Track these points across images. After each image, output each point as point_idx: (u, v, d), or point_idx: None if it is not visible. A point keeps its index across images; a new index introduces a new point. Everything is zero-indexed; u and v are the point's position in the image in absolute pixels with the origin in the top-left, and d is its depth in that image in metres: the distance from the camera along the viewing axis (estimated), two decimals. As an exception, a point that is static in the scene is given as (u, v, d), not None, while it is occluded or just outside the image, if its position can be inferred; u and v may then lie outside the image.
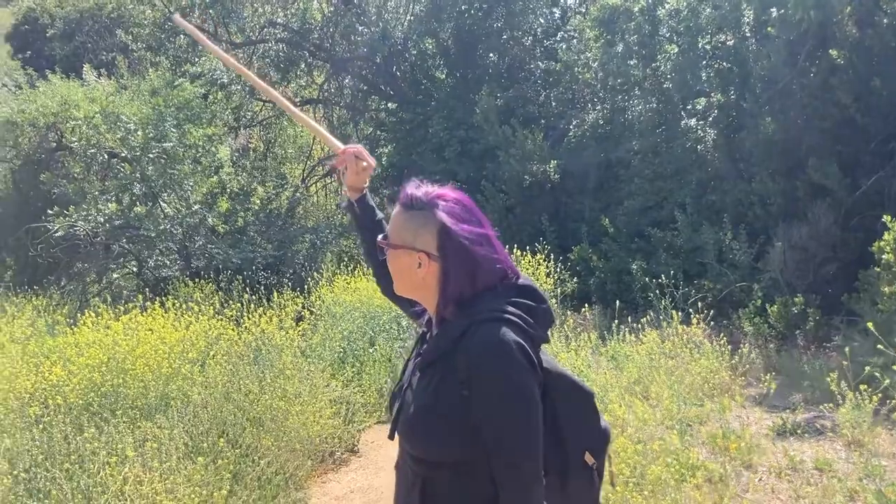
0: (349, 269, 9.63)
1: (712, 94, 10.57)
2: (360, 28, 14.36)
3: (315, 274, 9.85)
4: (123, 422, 4.45)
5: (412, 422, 1.65)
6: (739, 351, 6.04)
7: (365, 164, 2.14)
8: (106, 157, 10.81)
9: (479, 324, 1.58)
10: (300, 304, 7.86)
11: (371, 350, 6.87)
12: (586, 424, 1.77)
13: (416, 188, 1.73)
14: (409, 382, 1.74)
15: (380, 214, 2.18)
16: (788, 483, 4.33)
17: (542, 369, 1.65)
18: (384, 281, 1.98)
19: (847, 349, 5.43)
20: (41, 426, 4.39)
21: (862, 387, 4.87)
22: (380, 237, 1.79)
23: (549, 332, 1.73)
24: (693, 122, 10.83)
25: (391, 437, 1.76)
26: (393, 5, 15.18)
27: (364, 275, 9.32)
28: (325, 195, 17.87)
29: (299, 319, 7.63)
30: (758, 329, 7.55)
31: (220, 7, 14.64)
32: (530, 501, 1.54)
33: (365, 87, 16.07)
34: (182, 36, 15.05)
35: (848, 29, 8.46)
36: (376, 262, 2.08)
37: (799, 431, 5.21)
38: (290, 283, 9.38)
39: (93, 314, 6.41)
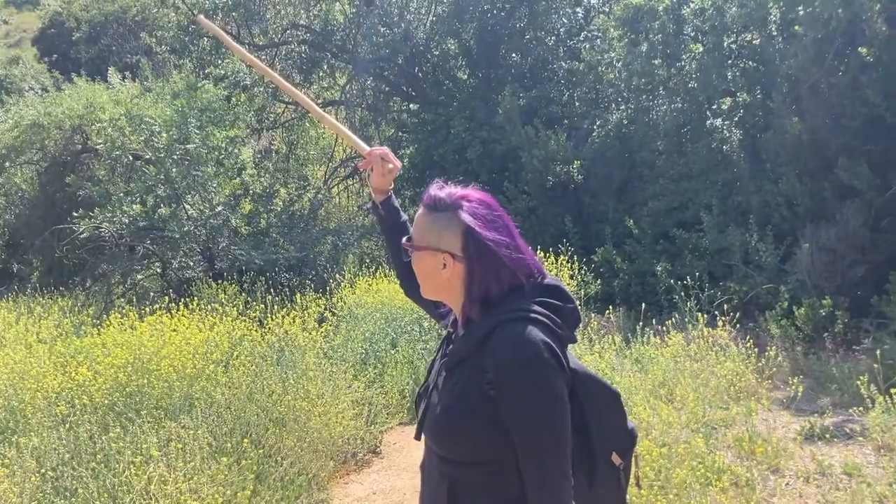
0: (371, 270, 9.64)
1: (738, 94, 10.46)
2: (382, 29, 14.36)
3: (337, 275, 9.86)
4: (148, 422, 4.47)
5: (439, 422, 1.64)
6: (766, 354, 5.96)
7: (391, 165, 2.14)
8: (130, 158, 10.90)
9: (505, 323, 1.57)
10: (322, 306, 7.88)
11: (393, 352, 6.86)
12: (613, 425, 1.76)
13: (440, 189, 1.73)
14: (435, 383, 1.74)
15: (404, 216, 2.18)
16: (816, 488, 4.26)
17: (569, 369, 1.64)
18: (407, 283, 2.00)
19: (877, 352, 5.34)
20: (68, 425, 4.43)
21: (892, 390, 4.78)
22: (404, 239, 1.79)
23: (575, 333, 1.71)
24: (718, 122, 10.72)
25: (417, 437, 1.75)
26: (415, 6, 15.19)
27: (386, 276, 9.32)
28: (347, 197, 17.92)
29: (321, 321, 7.65)
30: (785, 332, 7.45)
31: (242, 10, 14.73)
32: (560, 501, 1.53)
33: (387, 88, 16.10)
34: (206, 38, 15.17)
35: (878, 26, 8.32)
36: (400, 264, 2.08)
37: (827, 436, 5.12)
38: (312, 285, 9.41)
39: (118, 315, 6.47)
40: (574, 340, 1.69)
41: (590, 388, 1.70)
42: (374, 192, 2.18)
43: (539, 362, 1.53)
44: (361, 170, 2.20)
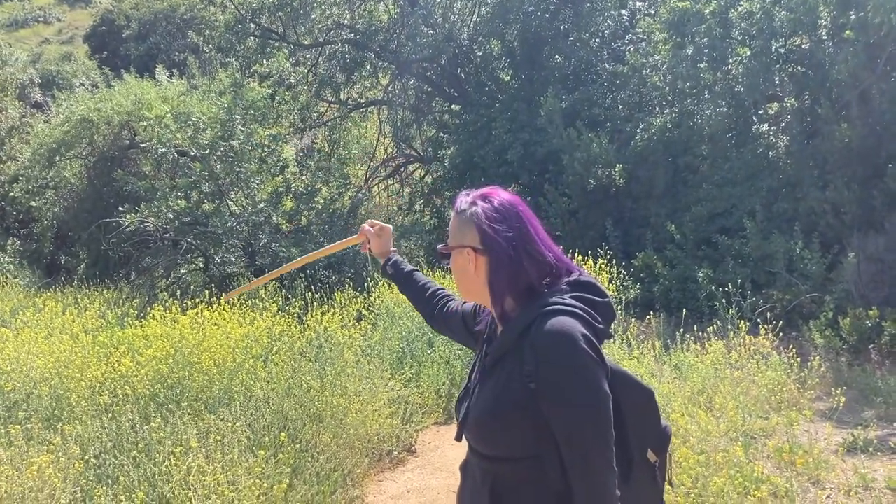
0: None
1: (785, 99, 10.28)
2: (426, 29, 14.41)
3: (375, 274, 9.91)
4: (188, 413, 4.54)
5: (481, 419, 1.65)
6: (809, 364, 5.85)
7: (380, 227, 2.44)
8: (176, 155, 11.09)
9: (544, 316, 1.59)
10: (361, 304, 7.93)
11: (429, 351, 6.87)
12: (648, 422, 1.78)
13: (466, 195, 1.80)
14: (476, 383, 1.76)
15: (409, 266, 2.43)
16: (859, 502, 4.17)
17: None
18: (434, 322, 2.26)
19: (925, 365, 5.21)
20: (110, 415, 4.52)
21: (940, 405, 4.66)
22: (439, 246, 1.87)
23: (611, 329, 1.73)
24: (765, 127, 10.54)
25: (458, 438, 1.77)
26: (459, 7, 15.22)
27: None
28: (387, 196, 18.00)
29: (360, 319, 7.69)
30: (829, 342, 7.30)
31: (289, 9, 14.89)
32: (605, 492, 1.53)
33: (429, 89, 16.15)
34: (252, 38, 15.36)
35: (932, 32, 8.13)
36: (422, 308, 2.31)
37: (871, 449, 5.01)
38: (351, 283, 9.46)
39: (161, 308, 6.58)
40: (610, 336, 1.71)
41: (624, 386, 1.72)
42: (379, 256, 2.45)
43: (578, 352, 1.54)
44: (363, 252, 2.51)
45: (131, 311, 7.71)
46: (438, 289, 2.30)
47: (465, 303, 2.11)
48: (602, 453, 1.54)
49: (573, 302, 1.62)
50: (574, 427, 1.54)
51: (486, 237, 1.70)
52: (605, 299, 1.70)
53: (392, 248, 2.45)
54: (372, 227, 2.43)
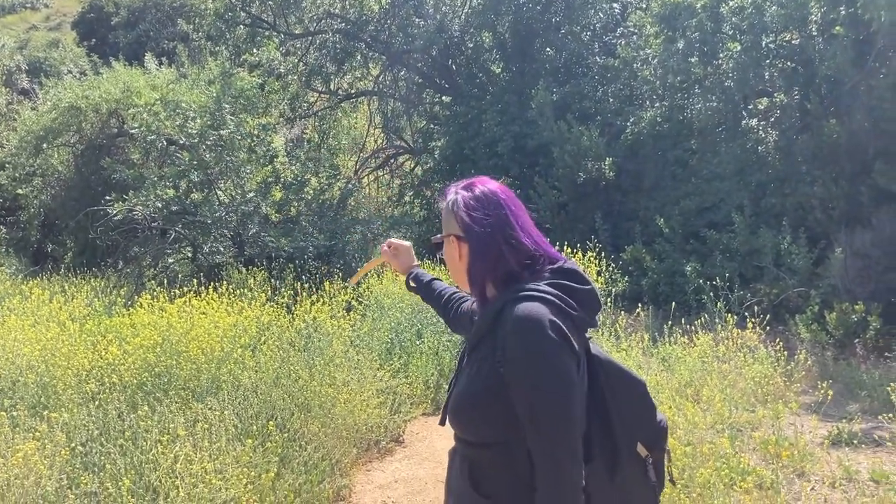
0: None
1: (775, 94, 10.31)
2: (417, 20, 14.37)
3: (364, 263, 9.89)
4: (175, 402, 4.53)
5: (458, 404, 1.67)
6: (795, 357, 5.88)
7: (396, 246, 2.47)
8: (165, 143, 11.03)
9: (514, 302, 1.60)
10: (350, 295, 7.92)
11: (418, 342, 6.88)
12: (637, 414, 1.74)
13: (454, 186, 1.84)
14: (458, 372, 1.79)
15: (428, 276, 2.44)
16: (842, 493, 4.20)
17: (586, 353, 1.67)
18: (452, 325, 2.30)
19: (909, 359, 5.26)
20: (97, 403, 4.50)
21: (925, 398, 4.70)
22: (433, 237, 1.93)
23: (596, 317, 1.72)
24: (754, 122, 10.59)
25: (442, 422, 1.78)
26: (450, -2, 15.16)
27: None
28: (377, 188, 17.97)
29: (349, 309, 7.68)
30: (815, 336, 7.35)
31: (279, -2, 14.82)
32: (564, 480, 1.51)
33: (420, 80, 16.11)
34: (242, 26, 15.27)
35: (921, 29, 8.17)
36: (443, 315, 2.32)
37: (855, 441, 5.06)
38: (340, 274, 9.44)
39: (149, 296, 6.55)
40: (593, 325, 1.70)
41: (610, 375, 1.71)
42: (402, 273, 2.48)
43: (542, 338, 1.54)
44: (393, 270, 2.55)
45: (119, 299, 7.67)
46: (455, 293, 2.31)
47: (474, 301, 2.12)
48: (565, 441, 1.52)
49: (546, 288, 1.62)
50: (537, 413, 1.52)
51: (465, 224, 1.74)
52: (587, 287, 1.69)
53: (415, 263, 2.47)
54: (389, 246, 2.46)
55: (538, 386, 1.53)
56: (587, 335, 1.71)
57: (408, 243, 2.47)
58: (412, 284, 2.42)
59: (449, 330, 2.42)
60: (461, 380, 1.71)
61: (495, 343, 1.60)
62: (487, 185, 1.79)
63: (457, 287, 2.25)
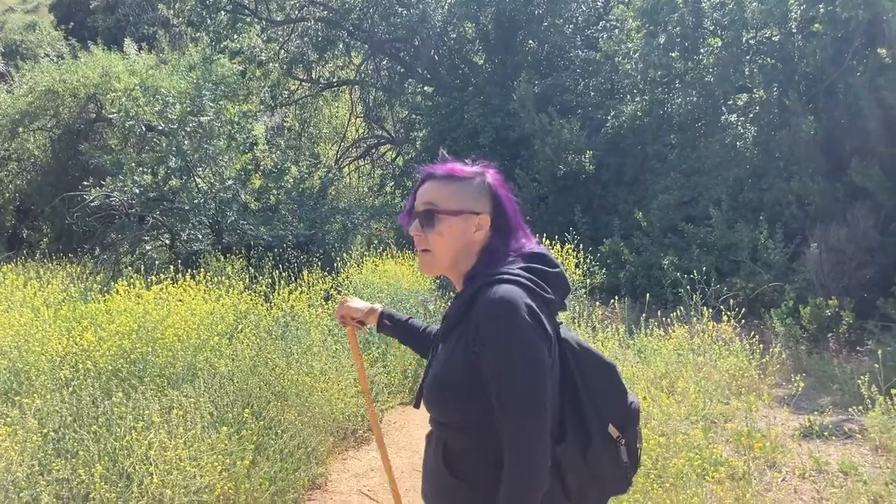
0: (378, 251, 9.65)
1: (754, 90, 10.39)
2: (400, 9, 14.32)
3: (344, 254, 9.89)
4: (151, 389, 4.50)
5: (432, 386, 1.69)
6: (769, 351, 5.95)
7: (351, 308, 2.30)
8: (143, 129, 10.92)
9: (488, 285, 1.62)
10: (329, 284, 7.90)
11: (397, 332, 6.87)
12: (608, 396, 1.76)
13: (452, 162, 1.79)
14: (432, 356, 1.82)
15: (403, 316, 2.29)
16: (812, 484, 4.26)
17: (557, 337, 1.69)
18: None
19: (879, 353, 5.33)
20: (71, 389, 4.46)
21: (893, 391, 4.77)
22: (420, 210, 1.78)
23: (566, 301, 1.77)
24: (733, 117, 10.67)
25: (416, 405, 1.80)
26: (434, -13, 15.11)
27: (392, 257, 9.32)
28: (358, 177, 17.93)
29: (327, 298, 7.68)
30: (789, 330, 7.44)
31: (261, -16, 14.71)
32: (530, 462, 1.54)
33: (402, 70, 16.06)
34: (223, 12, 15.13)
35: (898, 28, 8.26)
36: (424, 354, 2.15)
37: (826, 434, 5.13)
38: (319, 263, 9.42)
39: (125, 283, 6.50)
40: (563, 307, 1.75)
41: (581, 358, 1.73)
42: (375, 321, 2.29)
43: (515, 319, 1.56)
44: (358, 329, 2.35)
45: (95, 285, 7.60)
46: (427, 327, 2.26)
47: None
48: (534, 422, 1.54)
49: (519, 271, 1.66)
50: (508, 395, 1.54)
51: (500, 205, 1.76)
52: (557, 269, 1.73)
53: (374, 306, 2.30)
54: (343, 320, 2.32)
55: (511, 367, 1.55)
56: (558, 319, 1.74)
57: (349, 299, 2.33)
58: (388, 324, 2.26)
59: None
60: (435, 363, 1.73)
61: (468, 327, 1.62)
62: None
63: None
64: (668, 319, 6.50)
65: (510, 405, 1.54)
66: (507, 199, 1.77)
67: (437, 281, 8.39)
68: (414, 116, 16.19)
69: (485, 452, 1.62)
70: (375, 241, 12.18)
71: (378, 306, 2.29)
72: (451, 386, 1.64)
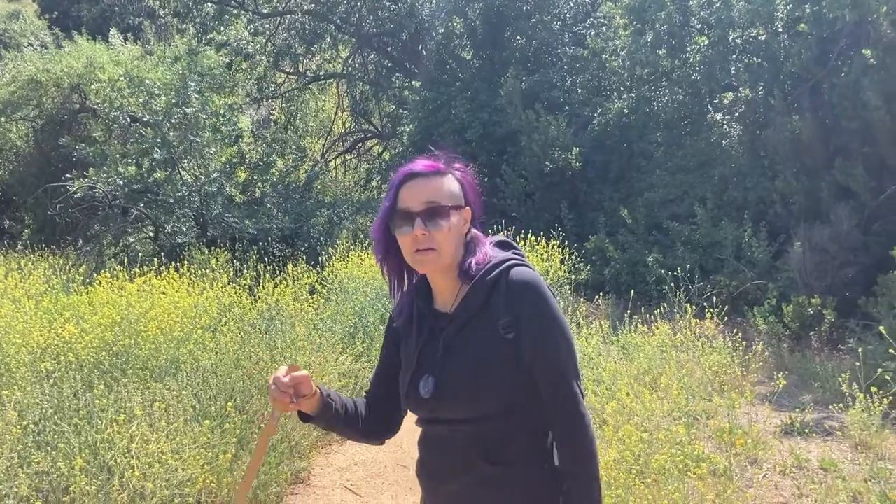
0: (364, 245, 9.62)
1: (740, 89, 10.44)
2: (388, 3, 14.27)
3: (330, 248, 9.85)
4: (133, 382, 4.47)
5: (472, 383, 1.64)
6: (752, 348, 5.99)
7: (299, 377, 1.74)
8: (128, 120, 10.84)
9: (508, 269, 1.68)
10: (314, 278, 7.88)
11: (381, 327, 6.86)
12: None
13: (432, 157, 1.79)
14: (441, 355, 1.70)
15: (332, 394, 1.84)
16: (792, 481, 4.30)
17: None
18: (378, 428, 1.89)
19: (860, 351, 5.38)
20: (52, 381, 4.42)
21: (873, 389, 4.82)
22: (423, 209, 1.67)
23: None
24: (719, 116, 10.72)
25: (416, 410, 1.74)
26: (422, -18, 15.07)
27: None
28: (345, 171, 17.87)
29: (312, 292, 7.65)
30: (772, 328, 7.49)
31: (248, -24, 14.62)
32: (586, 417, 1.64)
33: (389, 64, 16.02)
34: (209, 4, 15.03)
35: (883, 29, 8.31)
36: (362, 429, 1.88)
37: (807, 431, 5.17)
38: (304, 257, 9.39)
39: (108, 275, 6.45)
40: None
41: None
42: (308, 408, 1.80)
43: (549, 296, 1.65)
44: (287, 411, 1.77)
45: (77, 277, 7.55)
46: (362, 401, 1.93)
47: (378, 373, 1.93)
48: (579, 384, 1.65)
49: (518, 256, 1.73)
50: (561, 359, 1.63)
51: (475, 193, 1.79)
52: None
53: (312, 392, 1.76)
54: (282, 412, 1.78)
55: (559, 342, 1.64)
56: None
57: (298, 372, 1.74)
58: (324, 420, 1.82)
59: (372, 440, 1.94)
60: (459, 361, 1.66)
61: (493, 314, 1.65)
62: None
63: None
64: (652, 316, 6.53)
65: (565, 371, 1.64)
66: (474, 187, 1.80)
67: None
68: (401, 111, 16.16)
69: (527, 434, 1.67)
70: (361, 236, 12.15)
71: (318, 389, 1.79)
72: (495, 376, 1.63)
